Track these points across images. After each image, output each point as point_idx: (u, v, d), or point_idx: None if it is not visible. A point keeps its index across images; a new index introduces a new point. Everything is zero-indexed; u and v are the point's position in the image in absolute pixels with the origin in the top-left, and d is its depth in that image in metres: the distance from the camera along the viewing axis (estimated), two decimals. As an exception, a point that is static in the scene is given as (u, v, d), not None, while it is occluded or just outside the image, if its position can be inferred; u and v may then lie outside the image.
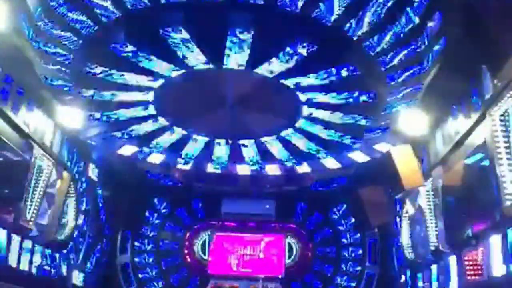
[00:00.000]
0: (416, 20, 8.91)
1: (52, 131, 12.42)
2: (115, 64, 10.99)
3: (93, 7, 9.11)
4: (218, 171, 17.40)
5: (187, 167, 17.07)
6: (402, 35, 9.37)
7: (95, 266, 17.13)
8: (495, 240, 8.81)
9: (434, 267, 12.62)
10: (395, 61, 10.19)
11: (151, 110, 13.31)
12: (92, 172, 16.20)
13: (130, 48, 10.41)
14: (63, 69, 10.73)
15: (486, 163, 9.56)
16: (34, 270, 12.12)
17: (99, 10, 9.18)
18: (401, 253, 15.58)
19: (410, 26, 9.12)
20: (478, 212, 11.11)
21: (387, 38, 9.53)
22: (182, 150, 15.86)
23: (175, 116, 13.81)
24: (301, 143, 15.04)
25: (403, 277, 15.68)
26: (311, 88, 12.02)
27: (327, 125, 13.77)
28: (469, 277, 10.11)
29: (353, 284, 19.52)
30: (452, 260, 11.23)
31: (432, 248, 12.32)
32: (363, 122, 13.24)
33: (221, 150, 15.92)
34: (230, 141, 15.35)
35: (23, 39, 9.10)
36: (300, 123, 13.83)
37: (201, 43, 10.33)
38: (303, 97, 12.48)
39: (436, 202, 12.16)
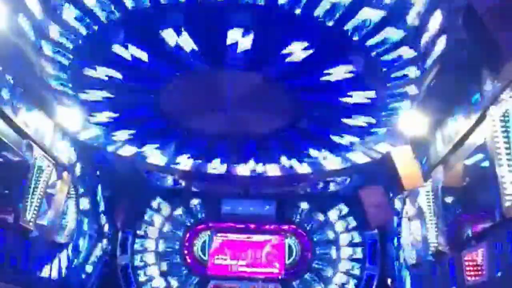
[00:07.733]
0: (416, 20, 8.91)
1: (52, 132, 12.43)
2: (115, 64, 10.98)
3: (93, 7, 9.10)
4: (218, 171, 17.41)
5: (187, 167, 17.07)
6: (402, 35, 9.37)
7: (95, 266, 17.13)
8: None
9: (434, 267, 12.63)
10: (395, 62, 10.19)
11: (151, 110, 13.31)
12: (92, 172, 16.22)
13: (130, 48, 10.41)
14: (63, 69, 10.73)
15: (486, 163, 9.57)
16: (34, 271, 12.12)
17: (99, 10, 9.17)
18: (401, 253, 15.59)
19: (410, 26, 9.11)
20: (478, 212, 11.14)
21: (388, 38, 9.53)
22: (182, 150, 15.87)
23: (175, 116, 13.80)
24: (301, 144, 15.06)
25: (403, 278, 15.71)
26: (311, 88, 12.02)
27: (327, 125, 13.77)
28: (469, 277, 10.11)
29: (353, 285, 19.50)
30: (452, 260, 11.23)
31: (432, 248, 12.32)
32: (363, 122, 13.23)
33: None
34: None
35: (24, 39, 9.10)
36: (300, 123, 13.83)
37: (201, 43, 10.33)
38: (303, 97, 12.48)
39: (436, 202, 12.17)
